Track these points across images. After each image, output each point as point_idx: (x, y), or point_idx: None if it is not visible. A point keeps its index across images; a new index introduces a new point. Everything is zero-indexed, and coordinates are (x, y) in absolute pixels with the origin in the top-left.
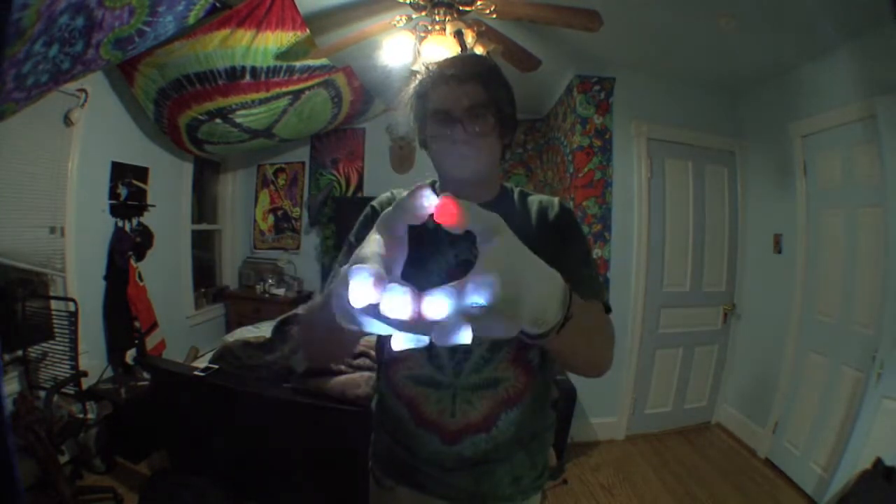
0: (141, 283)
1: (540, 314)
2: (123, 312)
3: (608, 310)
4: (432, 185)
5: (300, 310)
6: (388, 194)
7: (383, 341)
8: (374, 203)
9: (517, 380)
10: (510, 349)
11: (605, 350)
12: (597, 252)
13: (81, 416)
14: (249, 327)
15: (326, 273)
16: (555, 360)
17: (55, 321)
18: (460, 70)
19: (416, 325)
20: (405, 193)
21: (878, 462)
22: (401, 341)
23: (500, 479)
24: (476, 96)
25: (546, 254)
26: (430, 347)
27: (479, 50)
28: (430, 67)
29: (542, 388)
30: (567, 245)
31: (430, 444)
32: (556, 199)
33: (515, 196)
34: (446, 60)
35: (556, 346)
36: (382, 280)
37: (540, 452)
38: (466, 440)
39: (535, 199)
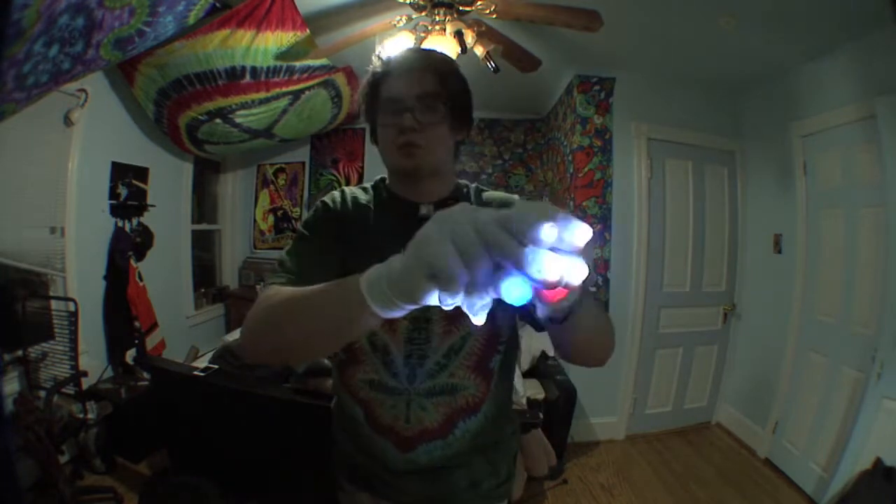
0: (141, 283)
1: None
2: (123, 312)
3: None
4: (382, 182)
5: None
6: (339, 192)
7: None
8: (326, 198)
9: (476, 388)
10: (468, 355)
11: (611, 335)
12: (597, 252)
13: (81, 416)
14: None
15: None
16: (513, 365)
17: (55, 321)
18: (413, 60)
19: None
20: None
21: (878, 462)
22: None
23: (456, 483)
24: (427, 85)
25: None
26: (387, 352)
27: (478, 50)
28: (385, 58)
29: (503, 397)
30: None
31: (386, 451)
32: (515, 198)
33: (471, 193)
34: (401, 52)
35: (576, 328)
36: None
37: (503, 460)
38: (421, 447)
39: (492, 197)
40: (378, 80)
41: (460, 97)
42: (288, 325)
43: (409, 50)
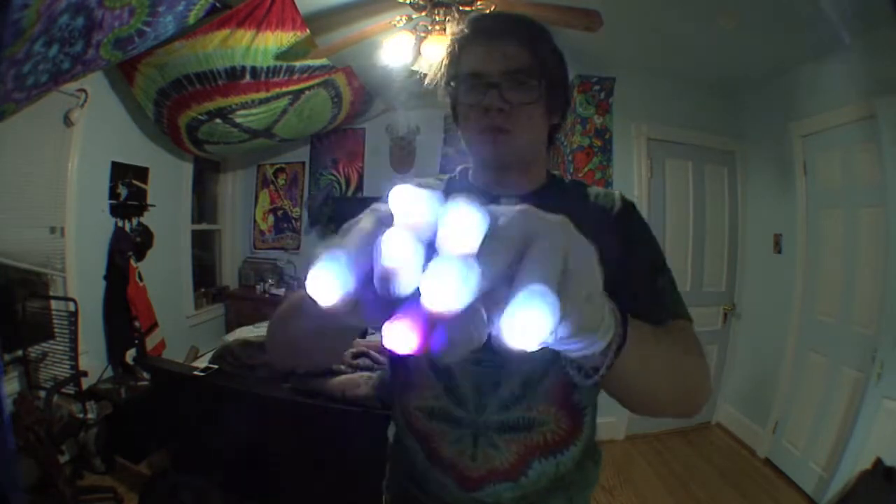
0: (141, 283)
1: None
2: (123, 312)
3: (690, 320)
4: (464, 173)
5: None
6: (414, 181)
7: (397, 361)
8: None
9: (558, 424)
10: (550, 385)
11: (698, 379)
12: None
13: (81, 416)
14: (249, 327)
15: None
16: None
17: (55, 321)
18: (500, 26)
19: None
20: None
21: (878, 462)
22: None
23: None
24: (518, 58)
25: (609, 260)
26: (451, 377)
27: None
28: (465, 25)
29: (588, 436)
30: (634, 249)
31: (446, 488)
32: (616, 192)
33: (569, 185)
34: (484, 16)
35: (628, 378)
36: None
37: (581, 495)
38: (488, 488)
39: (591, 192)
40: (459, 49)
41: (557, 72)
42: (281, 331)
43: (495, 13)
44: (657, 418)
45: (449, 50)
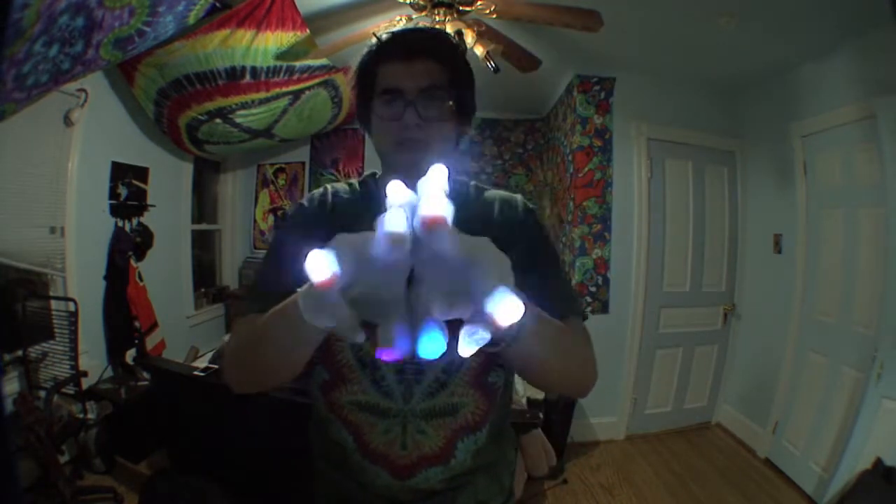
0: (141, 283)
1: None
2: (123, 312)
3: (584, 318)
4: (372, 176)
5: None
6: (320, 189)
7: (325, 356)
8: (304, 199)
9: (477, 405)
10: (470, 369)
11: (583, 368)
12: (597, 252)
13: (81, 416)
14: None
15: None
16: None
17: (55, 321)
18: (418, 44)
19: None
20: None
21: (878, 462)
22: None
23: None
24: (435, 75)
25: (515, 262)
26: (376, 369)
27: (478, 50)
28: (382, 37)
29: (503, 412)
30: (533, 251)
31: (380, 478)
32: (518, 197)
33: (471, 190)
34: (401, 32)
35: (523, 356)
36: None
37: (505, 472)
38: (420, 474)
39: (494, 195)
40: (374, 61)
41: (467, 90)
42: (249, 361)
43: (412, 30)
44: (549, 392)
45: (365, 60)
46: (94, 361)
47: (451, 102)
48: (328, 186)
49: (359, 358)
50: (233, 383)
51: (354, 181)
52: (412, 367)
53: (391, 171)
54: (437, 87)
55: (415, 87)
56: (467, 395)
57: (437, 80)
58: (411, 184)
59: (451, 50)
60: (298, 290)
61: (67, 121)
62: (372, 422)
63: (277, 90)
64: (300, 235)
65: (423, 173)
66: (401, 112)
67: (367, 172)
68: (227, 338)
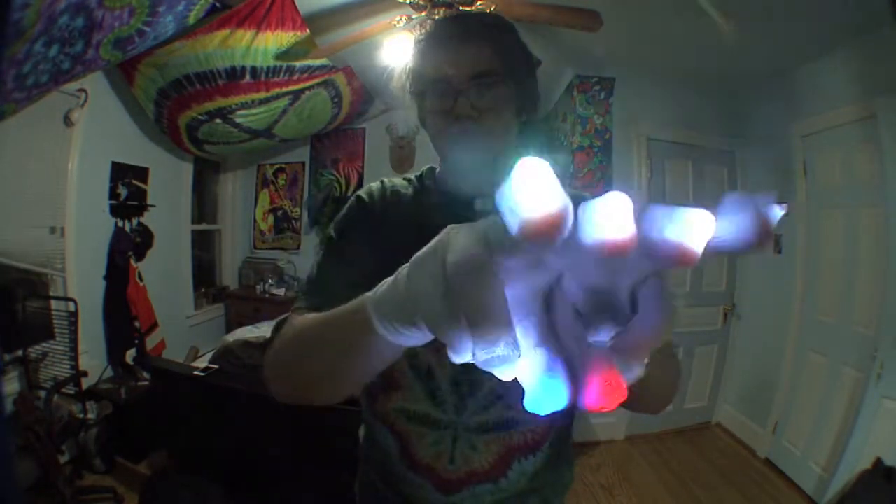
0: (141, 283)
1: None
2: (123, 312)
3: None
4: (431, 171)
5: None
6: (377, 184)
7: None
8: (362, 192)
9: (537, 423)
10: None
11: (676, 385)
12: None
13: (81, 416)
14: (249, 327)
15: None
16: None
17: (55, 321)
18: (464, 27)
19: None
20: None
21: (878, 462)
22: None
23: None
24: (484, 61)
25: None
26: (431, 378)
27: None
28: (429, 28)
29: (564, 433)
30: None
31: (422, 491)
32: (587, 195)
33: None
34: (448, 19)
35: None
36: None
37: (558, 495)
38: (466, 491)
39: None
40: (423, 55)
41: (524, 72)
42: (299, 364)
43: (458, 14)
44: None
45: (414, 53)
46: (94, 361)
47: (505, 89)
48: (385, 181)
49: (412, 364)
50: (276, 392)
51: (412, 176)
52: (466, 377)
53: (449, 167)
54: (490, 73)
55: (464, 75)
56: (524, 410)
57: (489, 66)
58: (473, 181)
59: (500, 31)
60: (367, 295)
61: (67, 121)
62: (421, 432)
63: (277, 90)
64: (364, 230)
65: (481, 168)
66: (451, 103)
67: (425, 167)
68: (228, 337)
